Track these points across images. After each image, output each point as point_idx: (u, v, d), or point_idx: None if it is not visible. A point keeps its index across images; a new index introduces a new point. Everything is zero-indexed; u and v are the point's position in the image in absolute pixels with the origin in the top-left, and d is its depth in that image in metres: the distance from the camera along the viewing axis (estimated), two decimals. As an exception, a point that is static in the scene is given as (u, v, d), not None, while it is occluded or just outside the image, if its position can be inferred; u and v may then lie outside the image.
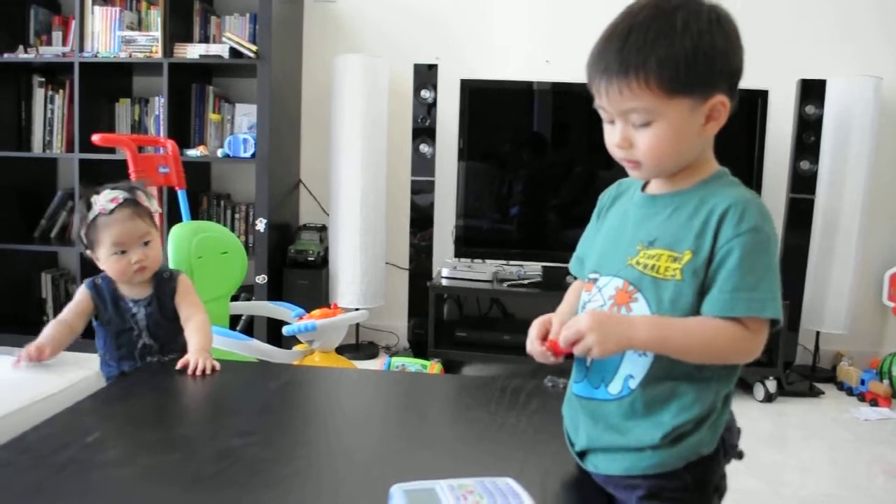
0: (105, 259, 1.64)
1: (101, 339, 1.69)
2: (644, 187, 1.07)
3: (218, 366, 1.57)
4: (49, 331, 1.63)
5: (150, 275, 1.68)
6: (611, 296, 1.02)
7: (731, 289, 0.93)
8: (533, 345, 1.06)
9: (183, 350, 1.69)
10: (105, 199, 1.62)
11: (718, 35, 0.94)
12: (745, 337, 0.94)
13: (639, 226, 1.03)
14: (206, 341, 1.64)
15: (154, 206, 1.72)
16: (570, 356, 1.05)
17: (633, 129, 0.97)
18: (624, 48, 0.93)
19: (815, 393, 3.29)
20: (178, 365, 1.55)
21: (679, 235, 0.97)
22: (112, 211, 1.62)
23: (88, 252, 1.68)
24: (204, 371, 1.53)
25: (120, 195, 1.64)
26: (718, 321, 0.94)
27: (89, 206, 1.63)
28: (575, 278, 1.20)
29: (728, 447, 1.02)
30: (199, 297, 2.29)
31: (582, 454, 1.08)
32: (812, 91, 3.27)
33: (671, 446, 0.97)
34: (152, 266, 1.68)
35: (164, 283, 1.71)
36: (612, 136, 0.99)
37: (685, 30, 0.92)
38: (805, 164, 3.30)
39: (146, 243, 1.66)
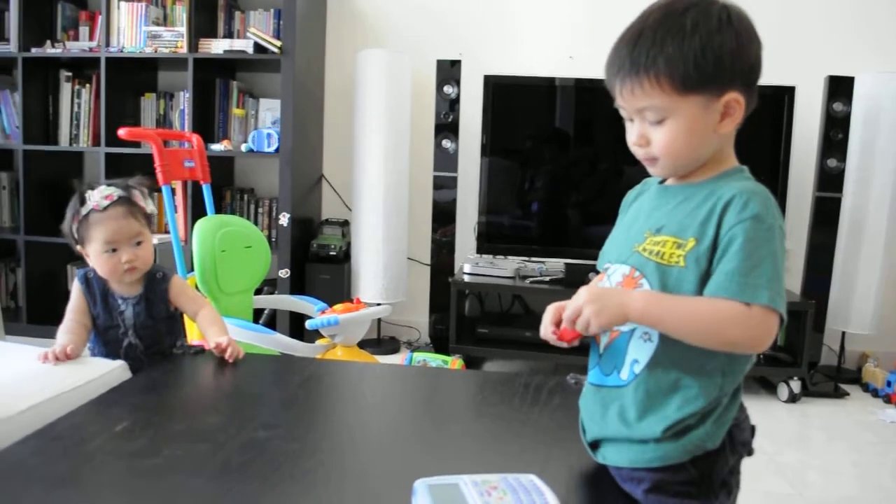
0: (96, 256, 1.62)
1: (94, 330, 1.68)
2: (663, 181, 1.10)
3: (242, 353, 1.60)
4: (69, 334, 1.61)
5: (139, 275, 1.66)
6: (618, 282, 1.05)
7: (727, 271, 0.93)
8: (546, 329, 1.06)
9: (168, 352, 1.69)
10: (99, 195, 1.61)
11: (728, 34, 0.95)
12: (747, 322, 0.92)
13: (649, 215, 1.06)
14: (224, 330, 1.66)
15: (150, 206, 1.70)
16: (583, 345, 1.08)
17: (649, 126, 0.99)
18: (635, 49, 0.96)
19: (840, 394, 3.25)
20: (213, 347, 1.58)
21: (685, 223, 0.99)
22: (106, 208, 1.60)
23: (78, 248, 1.66)
24: (233, 356, 1.56)
25: (115, 192, 1.62)
26: (721, 302, 0.93)
27: (83, 202, 1.61)
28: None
29: (737, 443, 1.02)
30: (223, 291, 2.33)
31: (594, 446, 1.09)
32: (840, 88, 3.23)
33: (674, 440, 0.98)
34: (143, 267, 1.65)
35: (155, 284, 1.69)
36: (631, 135, 1.03)
37: (694, 30, 0.94)
38: (832, 162, 3.26)
39: (138, 243, 1.64)
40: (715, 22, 0.95)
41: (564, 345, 1.06)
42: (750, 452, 1.05)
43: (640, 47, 0.96)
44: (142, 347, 1.67)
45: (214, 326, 1.68)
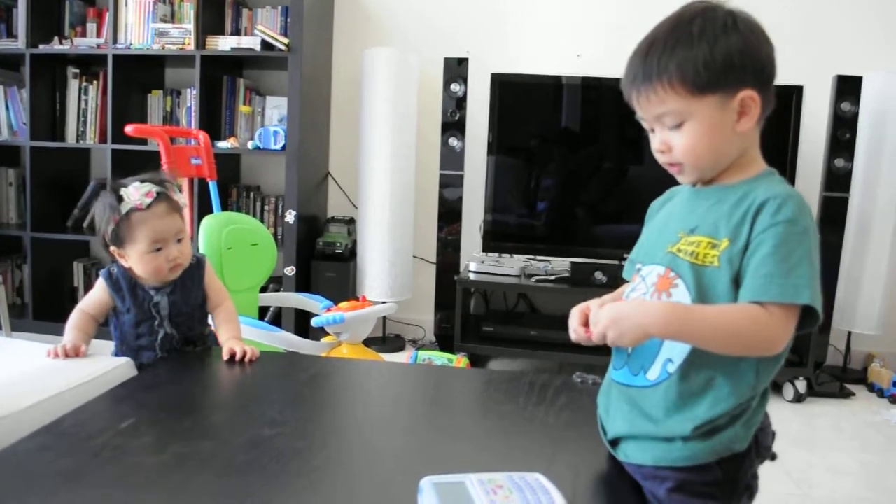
0: (139, 256, 1.55)
1: (119, 327, 1.64)
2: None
3: (258, 353, 1.60)
4: (77, 331, 1.59)
5: (181, 272, 1.62)
6: (653, 283, 1.05)
7: (766, 274, 0.93)
8: (577, 333, 1.06)
9: (203, 340, 1.70)
10: (138, 193, 1.54)
11: (734, 36, 0.98)
12: (769, 324, 0.93)
13: (682, 216, 1.07)
14: (237, 331, 1.66)
15: (182, 199, 1.65)
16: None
17: (669, 132, 1.01)
18: (647, 59, 1.00)
19: (846, 394, 3.24)
20: (225, 356, 1.57)
21: (719, 224, 0.99)
22: (149, 206, 1.54)
23: (113, 248, 1.58)
24: (251, 358, 1.56)
25: (153, 189, 1.56)
26: (743, 307, 0.94)
27: (119, 199, 1.54)
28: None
29: (762, 447, 1.03)
30: (229, 288, 2.33)
31: (614, 443, 1.09)
32: (848, 87, 3.22)
33: (703, 439, 0.98)
34: (185, 263, 1.62)
35: (191, 270, 1.65)
36: (654, 143, 1.04)
37: (701, 35, 0.97)
38: (839, 162, 3.25)
39: (179, 240, 1.60)
40: (720, 25, 0.98)
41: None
42: (773, 457, 1.06)
43: (652, 56, 0.99)
44: (178, 337, 1.64)
45: (228, 324, 1.66)
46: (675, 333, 0.97)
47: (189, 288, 1.65)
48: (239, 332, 1.66)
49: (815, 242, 0.96)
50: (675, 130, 1.00)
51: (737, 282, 0.96)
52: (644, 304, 1.02)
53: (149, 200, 1.54)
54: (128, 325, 1.62)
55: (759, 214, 0.95)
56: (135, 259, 1.57)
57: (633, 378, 1.05)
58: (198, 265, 1.67)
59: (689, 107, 0.98)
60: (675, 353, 1.00)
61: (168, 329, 1.62)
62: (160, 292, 1.61)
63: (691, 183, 1.08)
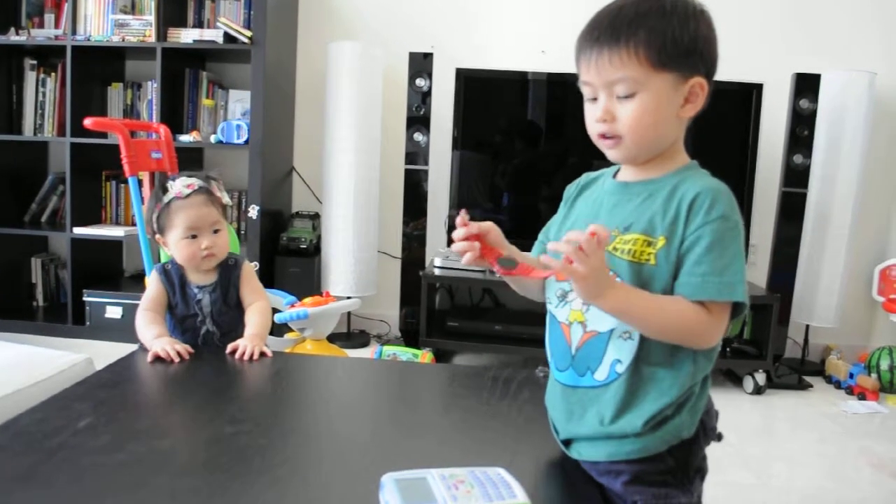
0: (175, 243, 1.66)
1: (168, 324, 1.69)
2: (615, 175, 1.10)
3: (269, 352, 1.57)
4: (159, 327, 1.60)
5: (216, 262, 1.70)
6: None
7: (702, 273, 0.95)
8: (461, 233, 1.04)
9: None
10: (181, 184, 1.66)
11: (702, 21, 1.00)
12: (706, 321, 0.96)
13: (612, 212, 1.06)
14: (262, 327, 1.67)
15: (226, 198, 1.75)
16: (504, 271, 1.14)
17: (616, 101, 0.99)
18: (616, 20, 0.98)
19: (804, 386, 3.31)
20: (228, 349, 1.56)
21: (654, 221, 0.99)
22: (187, 196, 1.65)
23: (158, 236, 1.70)
24: (251, 357, 1.54)
25: (195, 182, 1.68)
26: (683, 304, 0.96)
27: (165, 191, 1.67)
28: None
29: (708, 430, 1.05)
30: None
31: (566, 442, 1.10)
32: (806, 85, 3.28)
33: (653, 431, 0.99)
34: (220, 254, 1.70)
35: (228, 271, 1.73)
36: (594, 112, 1.02)
37: (673, 11, 0.98)
38: (798, 158, 3.31)
39: (216, 231, 1.68)
40: (691, 8, 0.99)
41: (483, 263, 1.09)
42: (719, 437, 1.08)
43: (622, 18, 0.97)
44: (219, 334, 1.70)
45: (255, 318, 1.69)
46: (619, 312, 0.97)
47: (227, 288, 1.72)
48: (262, 329, 1.66)
49: (742, 235, 0.98)
50: (623, 101, 0.98)
51: (675, 277, 0.98)
52: (612, 278, 0.98)
53: (188, 191, 1.66)
54: (175, 321, 1.70)
55: (692, 210, 0.96)
56: (172, 245, 1.67)
57: (580, 379, 1.05)
58: (235, 265, 1.75)
59: (647, 78, 0.97)
60: (622, 353, 1.01)
61: (210, 326, 1.70)
62: (203, 290, 1.70)
63: (622, 161, 1.06)
